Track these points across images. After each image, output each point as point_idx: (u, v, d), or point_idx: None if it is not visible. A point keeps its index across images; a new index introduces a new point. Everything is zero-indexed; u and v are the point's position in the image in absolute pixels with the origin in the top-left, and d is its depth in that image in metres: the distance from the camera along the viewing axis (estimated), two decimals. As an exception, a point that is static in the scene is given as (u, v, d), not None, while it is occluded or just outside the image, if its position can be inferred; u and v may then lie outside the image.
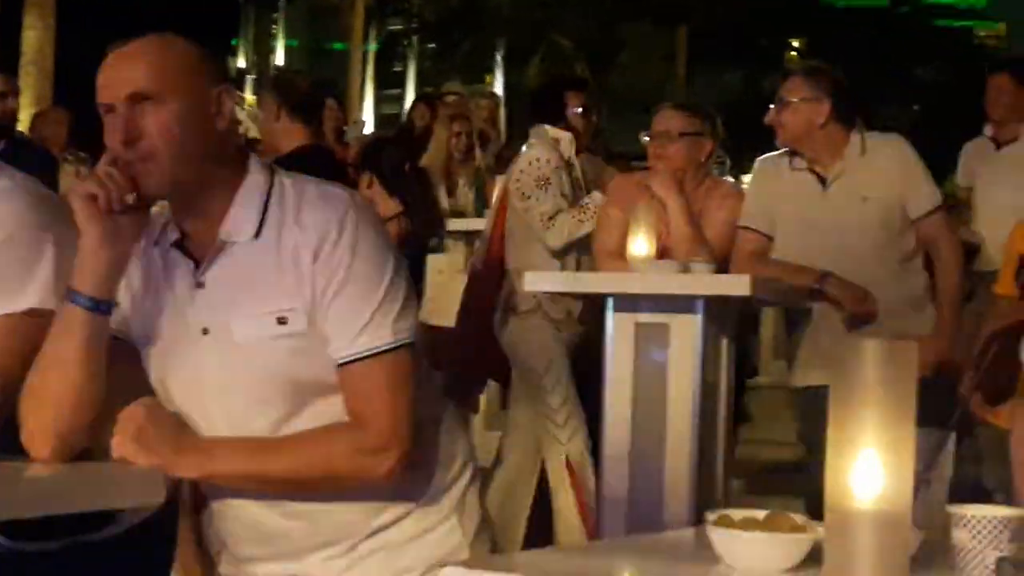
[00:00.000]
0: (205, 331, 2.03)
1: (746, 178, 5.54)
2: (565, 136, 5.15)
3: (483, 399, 5.98)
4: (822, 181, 4.26)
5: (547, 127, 5.18)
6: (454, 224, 6.57)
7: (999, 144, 6.35)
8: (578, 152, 5.22)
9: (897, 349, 1.43)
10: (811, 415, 4.22)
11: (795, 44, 30.71)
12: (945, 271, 4.22)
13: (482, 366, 5.27)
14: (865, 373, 1.42)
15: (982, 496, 1.70)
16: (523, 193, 5.04)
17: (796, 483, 4.53)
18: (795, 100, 4.26)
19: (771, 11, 27.61)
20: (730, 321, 4.12)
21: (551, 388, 4.93)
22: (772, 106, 4.33)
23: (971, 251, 4.97)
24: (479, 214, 6.71)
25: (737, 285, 3.87)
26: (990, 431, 3.64)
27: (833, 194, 4.24)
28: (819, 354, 4.15)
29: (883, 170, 4.23)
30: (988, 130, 6.51)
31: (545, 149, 5.11)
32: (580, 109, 5.20)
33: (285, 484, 2.04)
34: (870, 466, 1.41)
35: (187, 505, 2.15)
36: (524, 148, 5.23)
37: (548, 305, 4.96)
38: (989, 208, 5.62)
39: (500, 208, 5.28)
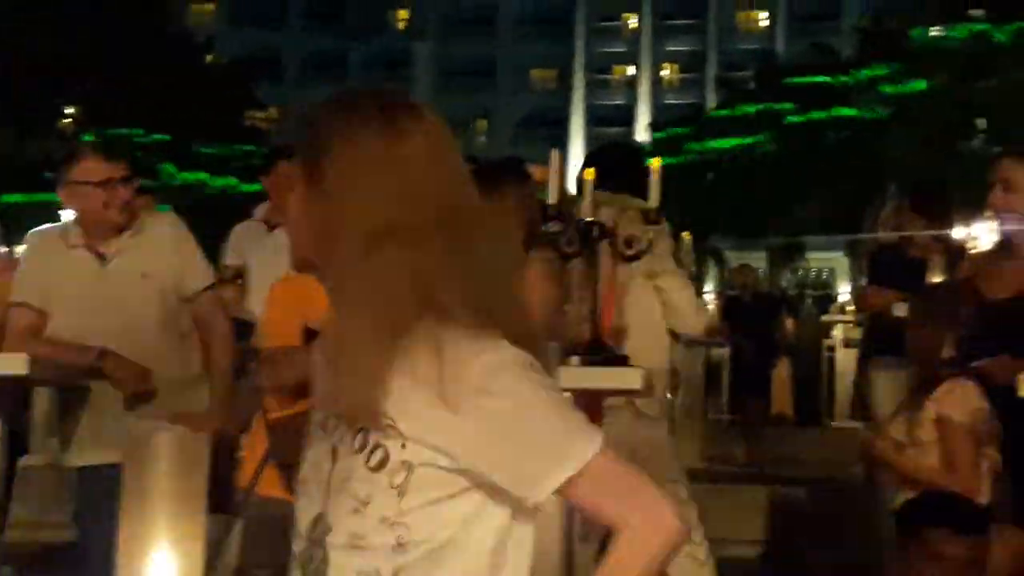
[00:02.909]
0: None
1: (20, 249, 5.35)
2: None
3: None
4: (100, 258, 4.24)
5: None
6: None
7: (272, 226, 6.66)
8: None
9: (188, 440, 1.47)
10: (89, 495, 4.15)
11: (70, 110, 30.22)
12: (218, 347, 4.34)
13: None
14: (157, 464, 1.44)
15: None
16: None
17: (75, 566, 4.41)
18: None
19: (45, 72, 26.96)
20: (3, 401, 3.96)
21: None
22: None
23: (246, 328, 5.14)
24: None
25: (12, 364, 3.74)
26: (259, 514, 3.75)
27: (112, 271, 4.23)
28: (98, 433, 4.09)
29: (160, 247, 4.29)
30: (259, 212, 6.79)
31: None
32: None
33: None
34: (162, 557, 1.43)
35: None
36: None
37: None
38: (264, 286, 5.85)
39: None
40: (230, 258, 6.68)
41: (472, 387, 1.73)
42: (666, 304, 4.90)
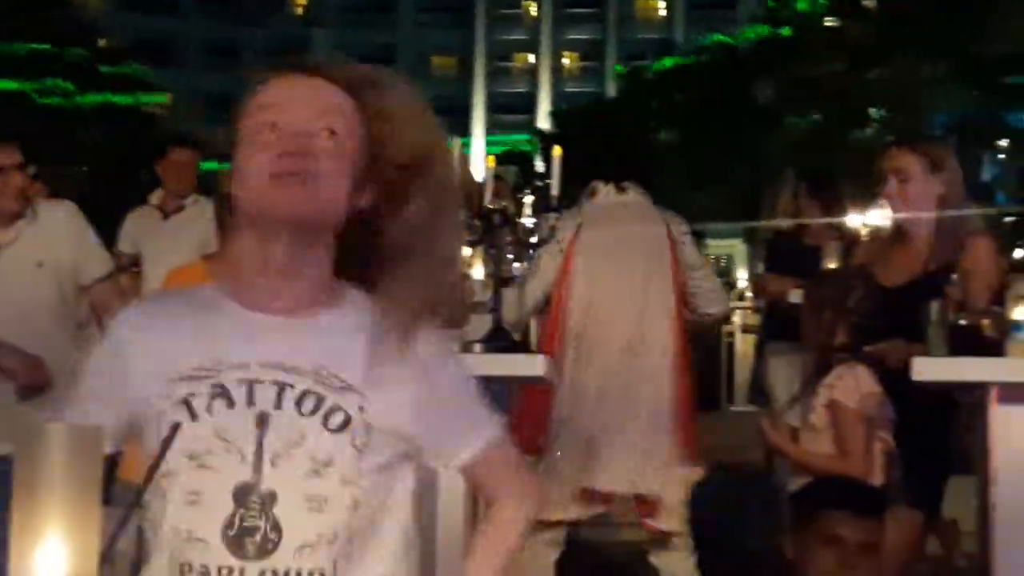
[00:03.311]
0: None
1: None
2: None
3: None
4: (-7, 246, 4.16)
5: None
6: None
7: (166, 213, 6.57)
8: None
9: (84, 432, 1.44)
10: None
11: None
12: None
13: None
14: (50, 455, 1.41)
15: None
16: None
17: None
18: None
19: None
20: None
21: None
22: None
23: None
24: None
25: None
26: None
27: (6, 260, 4.15)
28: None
29: (56, 235, 4.22)
30: (155, 199, 6.70)
31: None
32: None
33: None
34: (55, 552, 1.40)
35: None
36: None
37: None
38: (161, 273, 5.79)
39: None
40: (125, 245, 6.59)
41: (438, 355, 1.87)
42: (700, 293, 5.23)
